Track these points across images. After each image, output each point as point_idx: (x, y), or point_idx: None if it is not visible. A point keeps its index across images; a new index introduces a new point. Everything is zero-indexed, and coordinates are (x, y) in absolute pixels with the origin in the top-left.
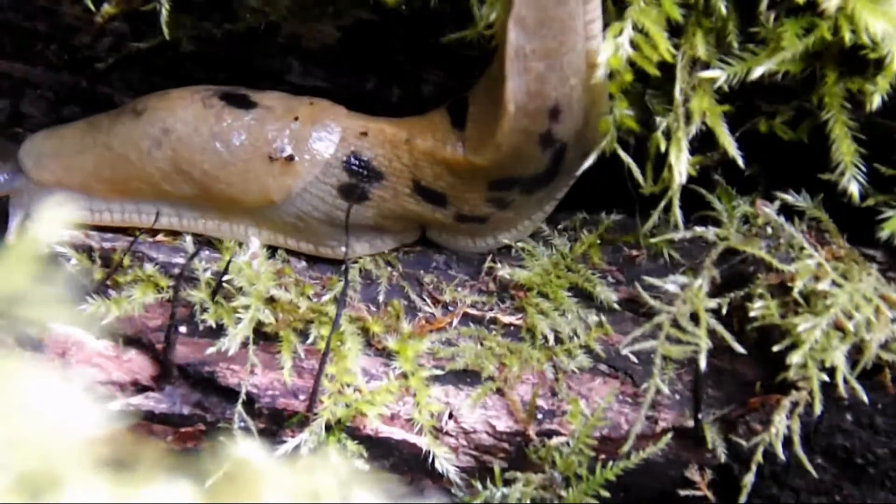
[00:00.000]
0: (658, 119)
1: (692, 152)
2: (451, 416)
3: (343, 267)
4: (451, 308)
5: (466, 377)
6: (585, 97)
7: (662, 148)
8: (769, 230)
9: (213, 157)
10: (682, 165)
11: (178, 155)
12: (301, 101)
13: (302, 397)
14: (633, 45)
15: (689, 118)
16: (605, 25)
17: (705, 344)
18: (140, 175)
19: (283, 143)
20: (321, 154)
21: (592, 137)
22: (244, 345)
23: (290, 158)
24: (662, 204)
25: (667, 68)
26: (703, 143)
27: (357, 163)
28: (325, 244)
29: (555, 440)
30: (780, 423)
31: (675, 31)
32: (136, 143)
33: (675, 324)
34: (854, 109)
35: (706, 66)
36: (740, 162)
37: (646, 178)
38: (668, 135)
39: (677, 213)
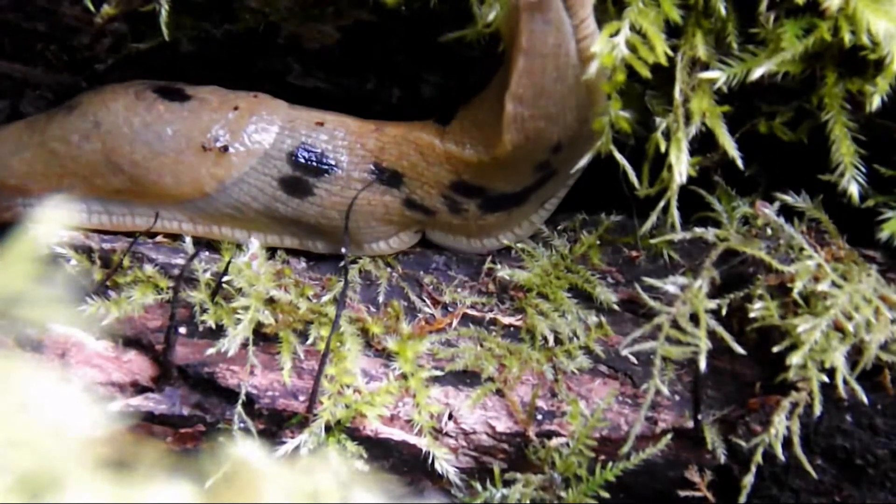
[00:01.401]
0: (658, 120)
1: (692, 153)
2: (450, 416)
3: (343, 268)
4: (450, 309)
5: (466, 378)
6: (587, 128)
7: (662, 148)
8: (769, 231)
9: (143, 149)
10: (682, 166)
11: (107, 147)
12: (240, 94)
13: (302, 398)
14: (629, 45)
15: (688, 119)
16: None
17: (705, 345)
18: (71, 170)
19: (218, 133)
20: (259, 144)
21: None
22: (244, 346)
23: (225, 149)
24: (661, 205)
25: (665, 69)
26: (704, 143)
27: (306, 155)
28: (262, 232)
29: (554, 441)
30: (780, 423)
31: (675, 32)
32: (67, 138)
33: (675, 325)
34: (854, 110)
35: (706, 66)
36: (739, 163)
37: (643, 180)
38: (667, 135)
39: (675, 214)
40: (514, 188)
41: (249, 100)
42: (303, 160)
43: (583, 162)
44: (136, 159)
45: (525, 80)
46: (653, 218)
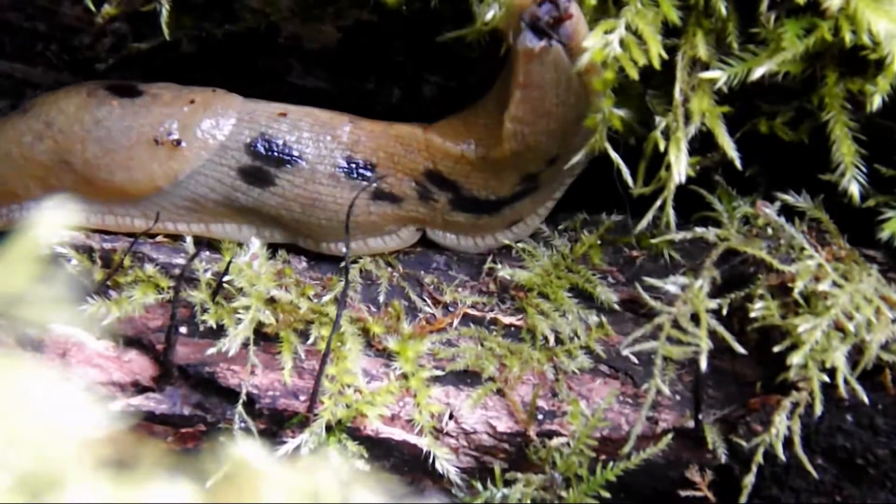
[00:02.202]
0: (657, 119)
1: (693, 153)
2: (451, 416)
3: (343, 267)
4: (451, 309)
5: (467, 378)
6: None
7: (661, 147)
8: (770, 231)
9: (94, 146)
10: (681, 166)
11: (59, 146)
12: (196, 90)
13: (302, 398)
14: (623, 45)
15: (688, 118)
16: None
17: (706, 345)
18: (27, 171)
19: (170, 126)
20: (214, 137)
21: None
22: (244, 345)
23: (178, 143)
24: (657, 204)
25: (666, 69)
26: (704, 143)
27: (266, 145)
28: (220, 223)
29: (555, 441)
30: (781, 423)
31: (675, 31)
32: (20, 139)
33: (676, 324)
34: (854, 110)
35: (706, 66)
36: (738, 163)
37: (637, 179)
38: (667, 135)
39: (671, 213)
40: (489, 195)
41: (205, 94)
42: (263, 150)
43: (566, 182)
44: (88, 157)
45: (524, 106)
46: (648, 217)
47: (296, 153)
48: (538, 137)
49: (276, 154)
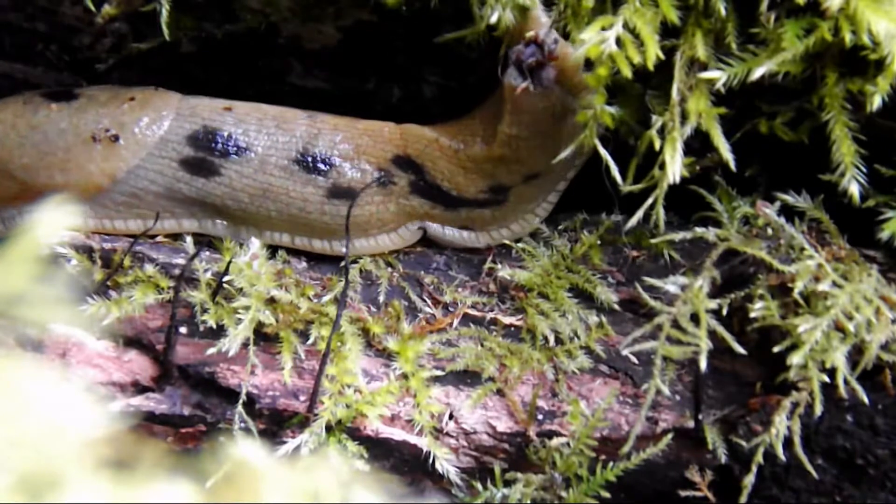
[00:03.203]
0: (654, 117)
1: (694, 153)
2: (451, 416)
3: (343, 267)
4: (451, 309)
5: (467, 378)
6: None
7: (657, 146)
8: (769, 231)
9: (31, 151)
10: (675, 166)
11: None
12: (133, 89)
13: (302, 398)
14: (619, 43)
15: (684, 118)
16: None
17: (705, 345)
18: None
19: (107, 125)
20: (152, 133)
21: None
22: (244, 345)
23: (115, 139)
24: (649, 201)
25: (666, 69)
26: (704, 143)
27: (210, 136)
28: (160, 218)
29: (555, 441)
30: (781, 423)
31: (674, 31)
32: None
33: (676, 324)
34: (854, 110)
35: (704, 66)
36: (732, 165)
37: (628, 176)
38: (662, 134)
39: (661, 211)
40: (451, 189)
41: (145, 92)
42: (206, 141)
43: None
44: (26, 163)
45: (517, 125)
46: (639, 214)
47: (243, 144)
48: (531, 152)
49: (220, 145)
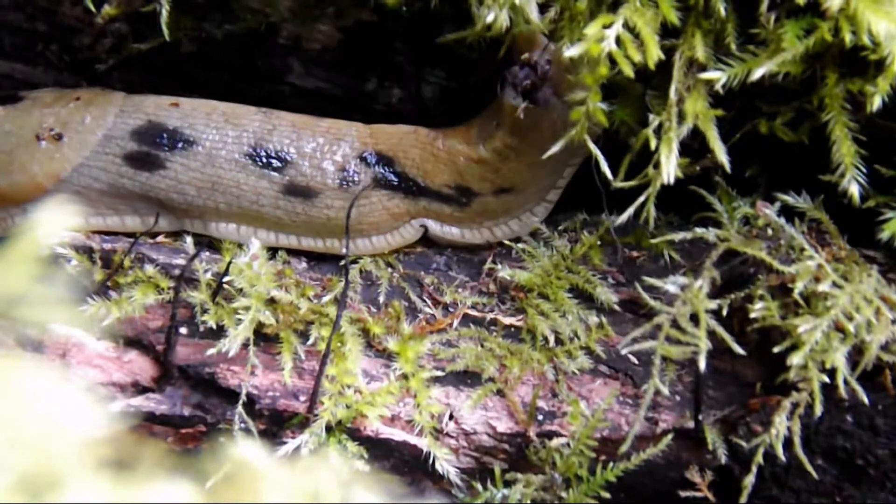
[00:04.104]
0: (651, 116)
1: (694, 153)
2: (451, 417)
3: (343, 268)
4: (451, 309)
5: (467, 378)
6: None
7: (652, 145)
8: (770, 231)
9: None
10: (671, 166)
11: None
12: (78, 90)
13: (302, 398)
14: (619, 42)
15: (681, 118)
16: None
17: (705, 345)
18: None
19: (51, 124)
20: (96, 131)
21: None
22: (245, 346)
23: (59, 137)
24: (640, 199)
25: (666, 69)
26: (703, 145)
27: (154, 130)
28: (101, 215)
29: (555, 441)
30: (781, 424)
31: (673, 31)
32: None
33: (676, 325)
34: (854, 111)
35: (703, 67)
36: (727, 167)
37: (619, 172)
38: (658, 133)
39: (652, 210)
40: (417, 175)
41: (89, 92)
42: (150, 135)
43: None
44: None
45: (516, 138)
46: (630, 211)
47: (189, 138)
48: (516, 165)
49: (165, 139)
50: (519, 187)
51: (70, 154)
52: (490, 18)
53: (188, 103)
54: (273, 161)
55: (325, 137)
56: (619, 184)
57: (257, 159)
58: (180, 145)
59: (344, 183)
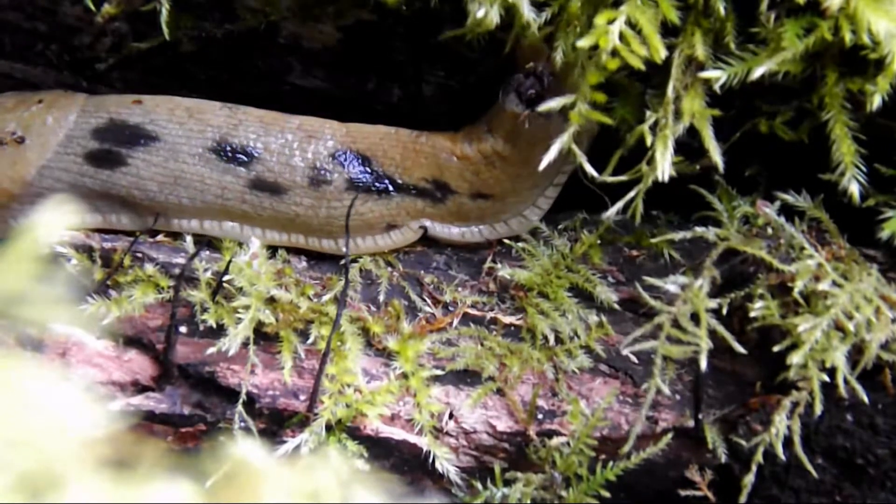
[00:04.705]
0: (647, 113)
1: (693, 153)
2: (451, 416)
3: (343, 266)
4: (451, 308)
5: (467, 377)
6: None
7: (648, 141)
8: (769, 230)
9: None
10: (666, 163)
11: None
12: (41, 93)
13: (302, 397)
14: (622, 38)
15: (678, 116)
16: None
17: (706, 344)
18: None
19: (14, 127)
20: (58, 132)
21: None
22: (244, 345)
23: (21, 140)
24: (631, 194)
25: (666, 68)
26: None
27: (115, 127)
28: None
29: (555, 440)
30: (781, 423)
31: (673, 30)
32: None
33: (676, 324)
34: (854, 110)
35: (701, 66)
36: (721, 167)
37: (609, 165)
38: (654, 130)
39: (640, 205)
40: (394, 172)
41: (52, 95)
42: (111, 133)
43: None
44: None
45: (509, 146)
46: (619, 205)
47: (151, 133)
48: (500, 172)
49: (126, 135)
50: (497, 196)
51: (33, 157)
52: (481, 14)
53: (151, 100)
54: (239, 156)
55: (295, 134)
56: (608, 179)
57: (222, 154)
58: (142, 141)
59: (314, 181)
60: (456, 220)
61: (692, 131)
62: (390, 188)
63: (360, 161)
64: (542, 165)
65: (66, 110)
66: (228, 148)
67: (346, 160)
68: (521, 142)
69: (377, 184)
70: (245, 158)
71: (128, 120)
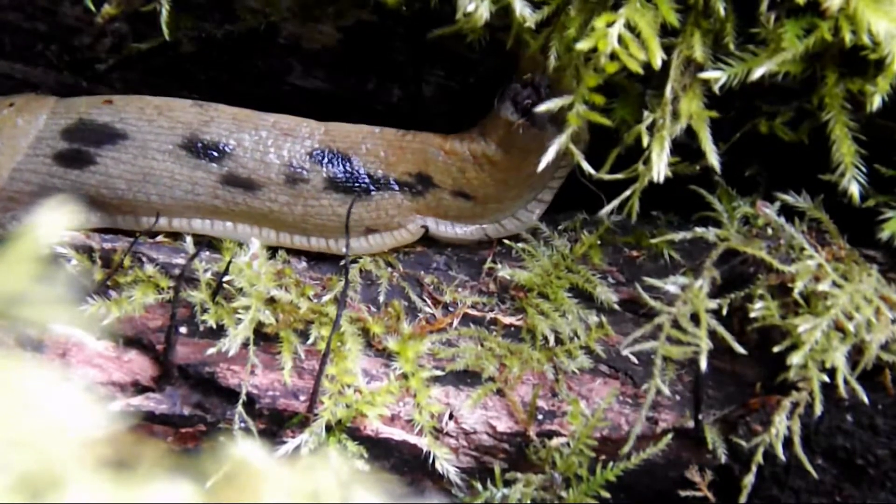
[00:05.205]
0: (645, 113)
1: (692, 154)
2: (451, 416)
3: (343, 267)
4: (451, 309)
5: (467, 378)
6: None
7: (645, 142)
8: (769, 231)
9: None
10: (662, 164)
11: None
12: (12, 97)
13: (302, 398)
14: (621, 41)
15: (675, 117)
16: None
17: (706, 345)
18: None
19: None
20: (28, 134)
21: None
22: (244, 345)
23: None
24: (626, 193)
25: (665, 69)
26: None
27: (84, 126)
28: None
29: (555, 441)
30: (781, 423)
31: (672, 30)
32: None
33: (676, 324)
34: (854, 110)
35: (700, 67)
36: (717, 168)
37: (606, 163)
38: (651, 130)
39: (636, 204)
40: (377, 170)
41: (23, 98)
42: (80, 132)
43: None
44: None
45: (500, 153)
46: (615, 204)
47: (120, 131)
48: (486, 176)
49: (95, 134)
50: (479, 199)
51: (4, 160)
52: (471, 8)
53: (121, 99)
54: (211, 152)
55: (270, 132)
56: (605, 176)
57: (192, 150)
58: (111, 139)
59: (291, 179)
60: (433, 215)
61: (691, 132)
62: (371, 187)
63: (340, 160)
64: (541, 167)
65: (36, 113)
66: (199, 144)
67: (324, 159)
68: (513, 150)
69: (357, 183)
70: (217, 154)
71: (97, 119)
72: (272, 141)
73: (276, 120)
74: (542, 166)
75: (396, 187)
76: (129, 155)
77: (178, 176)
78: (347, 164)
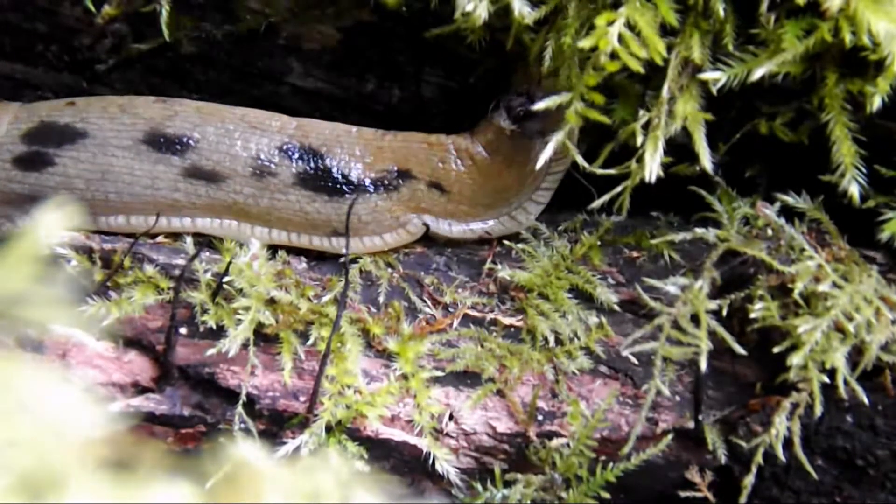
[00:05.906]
0: (640, 111)
1: (691, 155)
2: (451, 417)
3: (343, 267)
4: (451, 309)
5: (467, 378)
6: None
7: (638, 141)
8: (770, 232)
9: None
10: (654, 164)
11: None
12: None
13: (302, 398)
14: (621, 40)
15: (671, 118)
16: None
17: (706, 345)
18: None
19: None
20: None
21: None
22: (244, 346)
23: None
24: (617, 189)
25: (665, 70)
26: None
27: (44, 129)
28: None
29: (555, 441)
30: (781, 424)
31: (671, 31)
32: None
33: (676, 325)
34: (854, 111)
35: (698, 68)
36: (710, 171)
37: (599, 158)
38: (646, 129)
39: (627, 200)
40: (350, 170)
41: None
42: (40, 135)
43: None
44: None
45: (488, 155)
46: (605, 198)
47: (80, 130)
48: (465, 175)
49: (56, 135)
50: (453, 195)
51: None
52: (469, 7)
53: (84, 101)
54: (174, 146)
55: (237, 125)
56: (597, 171)
57: (154, 144)
58: (70, 139)
59: (258, 172)
60: (406, 209)
61: (690, 133)
62: (344, 188)
63: (311, 157)
64: (539, 164)
65: (0, 119)
66: (162, 138)
67: (295, 154)
68: (498, 155)
69: (329, 182)
70: (179, 147)
71: (58, 121)
72: (239, 134)
73: (245, 113)
74: (540, 163)
75: (371, 188)
76: (88, 153)
77: (137, 171)
78: (319, 160)
